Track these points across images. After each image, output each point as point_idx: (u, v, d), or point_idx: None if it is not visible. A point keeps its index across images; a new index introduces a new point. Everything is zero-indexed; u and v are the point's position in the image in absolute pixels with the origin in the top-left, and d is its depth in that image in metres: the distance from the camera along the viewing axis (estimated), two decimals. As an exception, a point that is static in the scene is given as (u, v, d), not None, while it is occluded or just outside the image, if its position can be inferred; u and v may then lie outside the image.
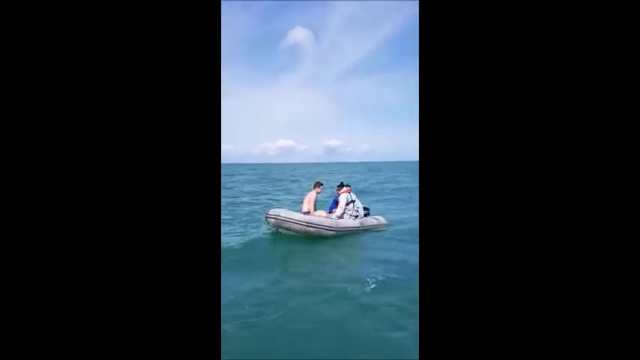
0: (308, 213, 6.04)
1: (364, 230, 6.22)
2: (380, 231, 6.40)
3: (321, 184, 6.47)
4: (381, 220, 6.80)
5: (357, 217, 6.30)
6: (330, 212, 6.24)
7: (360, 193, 8.58)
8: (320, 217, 5.97)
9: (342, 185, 6.44)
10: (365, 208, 6.67)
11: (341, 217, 6.12)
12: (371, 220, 6.55)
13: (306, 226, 5.51)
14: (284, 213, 5.61)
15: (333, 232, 5.71)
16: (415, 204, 10.50)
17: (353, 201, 6.31)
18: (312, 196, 6.32)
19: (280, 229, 5.62)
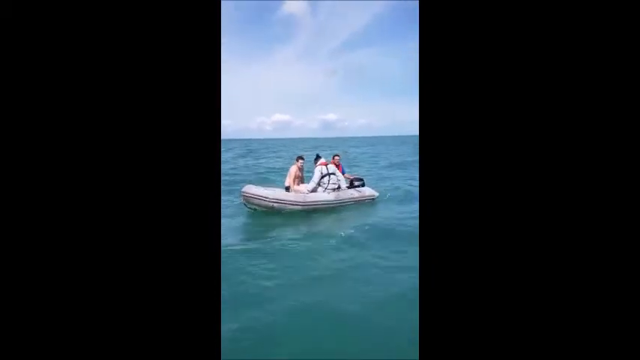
0: (288, 188, 5.88)
1: (340, 204, 5.85)
2: (361, 203, 6.06)
3: (302, 158, 6.20)
4: (367, 192, 6.28)
5: (336, 189, 5.95)
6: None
7: (351, 166, 8.62)
8: (294, 192, 5.77)
9: (317, 158, 6.14)
10: (358, 179, 6.36)
11: (313, 190, 5.82)
12: (352, 193, 6.07)
13: (271, 202, 5.44)
14: (253, 189, 5.58)
15: (299, 207, 5.50)
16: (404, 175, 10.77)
17: (331, 174, 5.97)
18: (292, 170, 6.04)
19: (251, 206, 5.60)
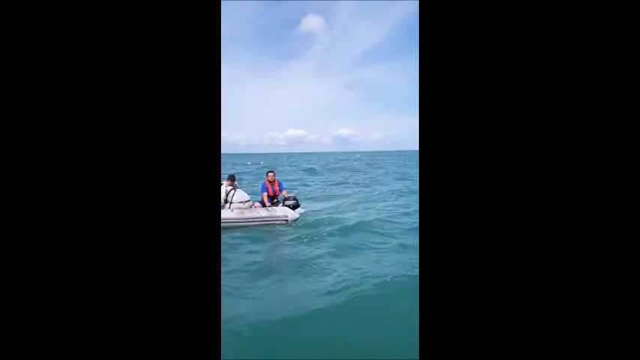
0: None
1: (244, 223, 5.38)
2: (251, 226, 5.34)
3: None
4: (278, 212, 5.55)
5: (246, 207, 5.64)
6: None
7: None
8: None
9: (228, 178, 5.96)
10: (290, 199, 5.88)
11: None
12: (259, 212, 5.50)
13: None
14: None
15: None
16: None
17: (231, 190, 5.76)
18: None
19: None
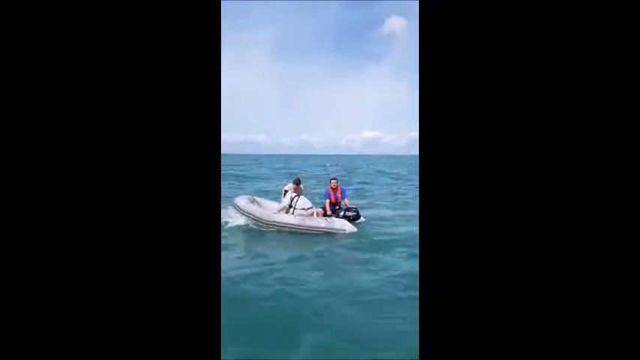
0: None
1: (305, 230, 5.50)
2: (317, 234, 5.41)
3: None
4: (337, 224, 5.52)
5: (308, 214, 5.77)
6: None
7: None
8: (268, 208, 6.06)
9: (294, 182, 6.12)
10: (351, 209, 5.96)
11: (282, 211, 5.85)
12: (319, 222, 5.57)
13: (244, 214, 5.95)
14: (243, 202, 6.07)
15: (262, 225, 5.69)
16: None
17: (294, 197, 5.92)
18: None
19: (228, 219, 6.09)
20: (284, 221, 5.61)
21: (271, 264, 4.05)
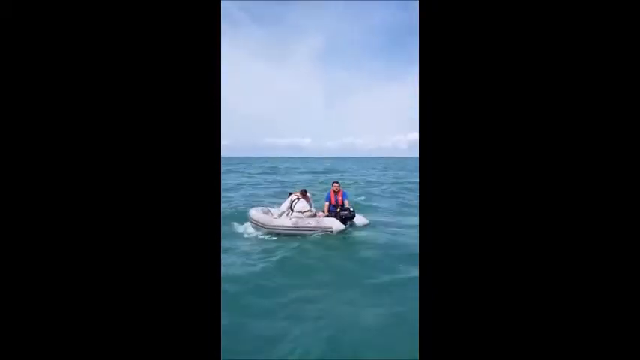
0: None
1: (298, 231, 5.79)
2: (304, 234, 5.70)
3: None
4: (325, 223, 5.82)
5: (305, 217, 6.07)
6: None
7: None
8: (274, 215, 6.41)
9: (300, 192, 6.51)
10: (346, 210, 6.18)
11: (281, 215, 6.26)
12: (309, 222, 5.89)
13: (255, 223, 6.24)
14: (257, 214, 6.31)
15: (266, 230, 5.98)
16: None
17: (294, 200, 6.27)
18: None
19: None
20: (280, 225, 5.94)
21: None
